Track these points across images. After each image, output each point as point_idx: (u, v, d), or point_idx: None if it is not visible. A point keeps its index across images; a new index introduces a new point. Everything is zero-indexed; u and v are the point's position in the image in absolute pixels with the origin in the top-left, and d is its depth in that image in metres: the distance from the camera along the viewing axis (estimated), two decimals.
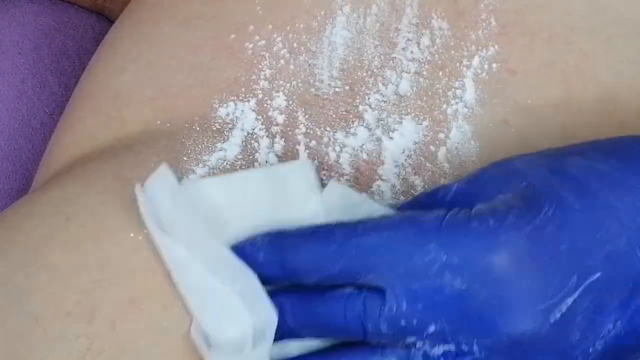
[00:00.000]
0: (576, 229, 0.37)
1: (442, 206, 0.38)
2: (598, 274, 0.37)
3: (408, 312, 0.37)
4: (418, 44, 0.45)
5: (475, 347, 0.37)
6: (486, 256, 0.37)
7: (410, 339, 0.38)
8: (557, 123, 0.44)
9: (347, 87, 0.45)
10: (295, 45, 0.45)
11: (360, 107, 0.45)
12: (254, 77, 0.45)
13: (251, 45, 0.45)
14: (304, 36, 0.45)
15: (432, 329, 0.37)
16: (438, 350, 0.38)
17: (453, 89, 0.44)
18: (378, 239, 0.38)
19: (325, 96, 0.45)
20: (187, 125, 0.44)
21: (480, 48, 0.44)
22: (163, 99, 0.45)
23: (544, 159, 0.39)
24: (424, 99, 0.45)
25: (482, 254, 0.37)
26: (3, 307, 0.40)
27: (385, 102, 0.45)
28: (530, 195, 0.38)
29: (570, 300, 0.37)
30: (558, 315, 0.37)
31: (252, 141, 0.44)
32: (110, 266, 0.40)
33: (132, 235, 0.41)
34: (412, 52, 0.45)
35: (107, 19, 0.61)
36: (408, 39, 0.45)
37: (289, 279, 0.39)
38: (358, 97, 0.45)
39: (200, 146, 0.44)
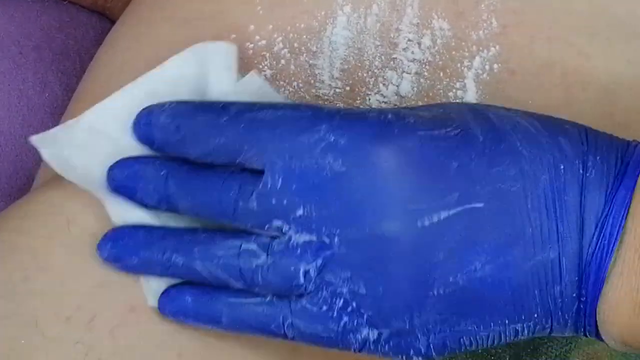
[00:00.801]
0: (472, 155, 0.37)
1: None
2: (481, 205, 0.36)
3: (281, 190, 0.37)
4: (419, 44, 0.45)
5: (335, 240, 0.37)
6: (374, 144, 0.37)
7: (277, 223, 0.37)
8: None
9: (347, 88, 0.45)
10: (295, 45, 0.45)
11: (361, 108, 0.45)
12: None
13: (251, 45, 0.45)
14: (305, 36, 0.45)
15: (299, 212, 0.37)
16: (299, 238, 0.37)
17: (454, 90, 0.45)
18: (271, 115, 0.38)
19: (325, 97, 0.45)
20: None
21: (481, 49, 0.44)
22: None
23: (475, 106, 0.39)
24: (425, 99, 0.45)
25: (371, 140, 0.37)
26: (2, 307, 0.40)
27: (386, 102, 0.45)
28: (441, 116, 0.38)
29: (444, 215, 0.36)
30: (427, 223, 0.36)
31: None
32: (112, 271, 0.40)
33: None
34: (412, 52, 0.45)
35: (108, 19, 0.61)
36: (409, 39, 0.45)
37: (179, 148, 0.39)
38: (359, 98, 0.45)
39: None
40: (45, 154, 0.41)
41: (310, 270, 0.37)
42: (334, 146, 0.37)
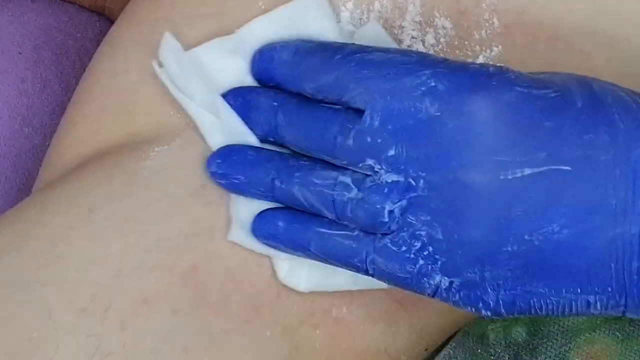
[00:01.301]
0: (567, 119, 0.37)
1: None
2: (567, 168, 0.36)
3: (377, 129, 0.38)
4: (423, 42, 0.45)
5: (421, 182, 0.37)
6: (471, 93, 0.37)
7: (369, 161, 0.38)
8: None
9: None
10: None
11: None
12: None
13: None
14: None
15: (391, 152, 0.38)
16: (388, 178, 0.38)
17: None
18: (380, 57, 0.39)
19: None
20: None
21: (484, 48, 0.45)
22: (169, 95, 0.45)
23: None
24: None
25: (469, 89, 0.37)
26: (17, 296, 0.40)
27: None
28: (543, 78, 0.38)
29: (528, 171, 0.36)
30: (510, 177, 0.36)
31: None
32: (129, 260, 0.40)
33: (158, 227, 0.41)
34: (417, 50, 0.45)
35: (107, 19, 0.61)
36: (413, 37, 0.45)
37: (296, 83, 0.41)
38: None
39: None
40: (161, 74, 0.44)
41: (395, 210, 0.38)
42: (433, 91, 0.37)
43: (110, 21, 0.60)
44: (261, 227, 0.42)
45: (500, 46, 0.44)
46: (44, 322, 0.39)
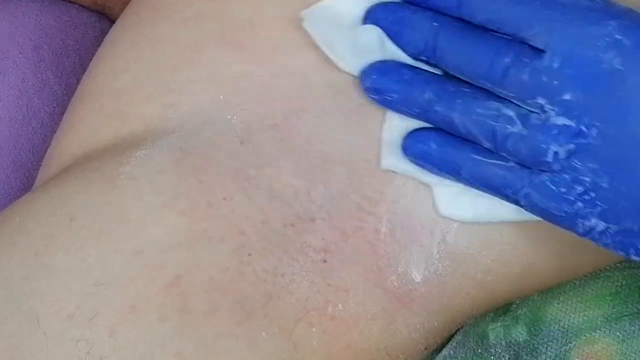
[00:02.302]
0: None
1: None
2: None
3: (556, 71, 0.38)
4: None
5: (593, 131, 0.38)
6: None
7: (540, 100, 0.39)
8: None
9: None
10: None
11: None
12: None
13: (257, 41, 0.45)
14: None
15: (566, 96, 0.38)
16: (558, 120, 0.38)
17: None
18: (567, 0, 0.39)
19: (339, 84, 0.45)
20: (191, 121, 0.44)
21: None
22: (167, 96, 0.45)
23: None
24: None
25: None
26: (3, 306, 0.40)
27: None
28: None
29: None
30: None
31: None
32: (112, 269, 0.40)
33: (134, 238, 0.41)
34: None
35: (107, 18, 0.61)
36: None
37: (463, 10, 0.40)
38: None
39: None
40: (310, 29, 0.43)
41: (560, 152, 0.38)
42: (618, 44, 0.37)
43: (110, 21, 0.61)
44: (413, 146, 0.42)
45: None
46: (32, 330, 0.39)
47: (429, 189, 0.44)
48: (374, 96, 0.43)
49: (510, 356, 0.50)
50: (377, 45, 0.42)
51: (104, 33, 0.51)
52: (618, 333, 0.47)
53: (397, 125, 0.43)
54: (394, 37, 0.42)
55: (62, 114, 0.50)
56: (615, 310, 0.48)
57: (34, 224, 0.42)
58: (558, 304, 0.49)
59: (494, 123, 0.40)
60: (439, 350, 0.49)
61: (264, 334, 0.42)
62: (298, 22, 0.44)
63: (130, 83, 0.46)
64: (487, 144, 0.41)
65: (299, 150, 0.43)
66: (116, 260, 0.41)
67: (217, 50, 0.45)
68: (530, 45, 0.39)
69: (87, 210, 0.42)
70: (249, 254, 0.42)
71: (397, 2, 0.42)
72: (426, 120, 0.42)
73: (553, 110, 0.38)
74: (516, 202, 0.41)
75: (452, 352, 0.49)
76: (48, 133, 0.56)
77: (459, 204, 0.43)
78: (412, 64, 0.43)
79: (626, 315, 0.47)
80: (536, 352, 0.50)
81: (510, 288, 0.46)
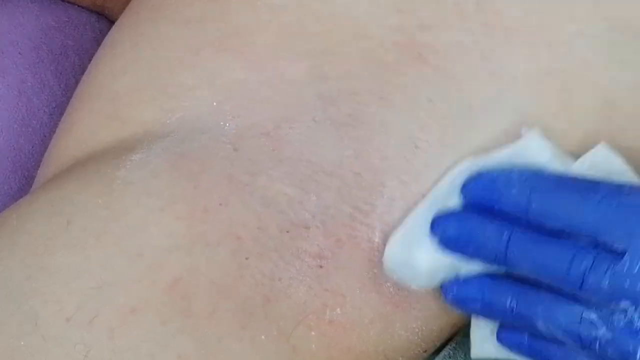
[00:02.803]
0: None
1: None
2: None
3: (638, 274, 0.38)
4: None
5: None
6: None
7: (624, 303, 0.39)
8: (558, 129, 0.44)
9: None
10: None
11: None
12: None
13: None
14: None
15: None
16: None
17: None
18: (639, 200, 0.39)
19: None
20: (187, 126, 0.44)
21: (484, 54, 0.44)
22: (165, 100, 0.45)
23: None
24: None
25: None
26: (2, 307, 0.40)
27: None
28: None
29: None
30: None
31: None
32: (112, 271, 0.40)
33: (134, 239, 0.41)
34: None
35: (107, 19, 0.61)
36: None
37: (532, 219, 0.40)
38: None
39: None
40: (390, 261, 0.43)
41: None
42: None
43: (110, 21, 0.60)
44: (507, 342, 0.43)
45: (499, 51, 0.44)
46: (31, 332, 0.39)
47: (420, 199, 0.44)
48: (458, 305, 0.43)
49: None
50: (450, 268, 0.43)
51: (103, 33, 0.51)
52: None
53: (484, 326, 0.44)
54: (462, 246, 0.42)
55: (62, 114, 0.50)
56: None
57: (33, 224, 0.42)
58: None
59: (577, 328, 0.40)
60: (437, 352, 0.49)
61: (263, 336, 0.42)
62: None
63: (130, 85, 0.46)
64: (575, 347, 0.40)
65: (290, 160, 0.43)
66: (116, 262, 0.41)
67: (214, 55, 0.45)
68: (606, 249, 0.39)
69: (86, 212, 0.42)
70: (247, 258, 0.42)
71: (463, 212, 0.42)
72: (511, 324, 0.43)
73: (637, 311, 0.38)
74: None
75: (451, 353, 0.49)
76: (47, 133, 0.56)
77: (488, 345, 0.44)
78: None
79: None
80: None
81: None
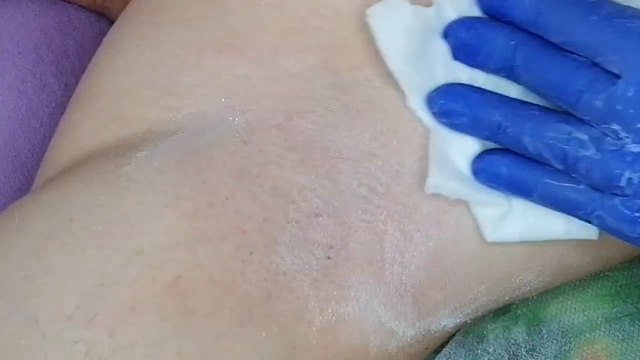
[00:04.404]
0: None
1: None
2: None
3: (631, 99, 0.38)
4: None
5: None
6: None
7: (615, 126, 0.39)
8: None
9: None
10: None
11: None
12: None
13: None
14: None
15: None
16: (634, 148, 0.39)
17: None
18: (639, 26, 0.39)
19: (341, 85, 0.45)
20: (193, 124, 0.44)
21: None
22: (167, 99, 0.45)
23: None
24: None
25: None
26: (2, 307, 0.40)
27: None
28: None
29: None
30: None
31: None
32: (112, 270, 0.40)
33: (134, 238, 0.41)
34: None
35: (107, 19, 0.61)
36: None
37: (536, 29, 0.40)
38: None
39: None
40: (375, 25, 0.43)
41: (634, 178, 0.39)
42: None
43: (110, 21, 0.60)
44: (483, 171, 0.43)
45: None
46: (31, 331, 0.39)
47: None
48: (442, 120, 0.43)
49: (509, 356, 0.50)
50: (441, 61, 0.43)
51: (103, 33, 0.51)
52: (618, 333, 0.47)
53: (459, 148, 0.43)
54: (472, 53, 0.42)
55: (62, 114, 0.50)
56: (615, 310, 0.48)
57: (33, 224, 0.42)
58: (558, 304, 0.49)
59: (565, 146, 0.40)
60: (438, 350, 0.49)
61: (263, 333, 0.42)
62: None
63: (131, 85, 0.46)
64: (559, 166, 0.41)
65: (302, 148, 0.43)
66: (116, 261, 0.41)
67: (217, 53, 0.45)
68: (604, 70, 0.39)
69: (87, 211, 0.42)
70: (251, 253, 0.42)
71: (475, 18, 0.42)
72: (496, 142, 0.43)
73: (628, 137, 0.39)
74: (588, 221, 0.41)
75: (452, 352, 0.49)
76: (47, 133, 0.56)
77: (505, 227, 0.44)
78: (478, 87, 0.43)
79: (626, 315, 0.47)
80: (536, 352, 0.50)
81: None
